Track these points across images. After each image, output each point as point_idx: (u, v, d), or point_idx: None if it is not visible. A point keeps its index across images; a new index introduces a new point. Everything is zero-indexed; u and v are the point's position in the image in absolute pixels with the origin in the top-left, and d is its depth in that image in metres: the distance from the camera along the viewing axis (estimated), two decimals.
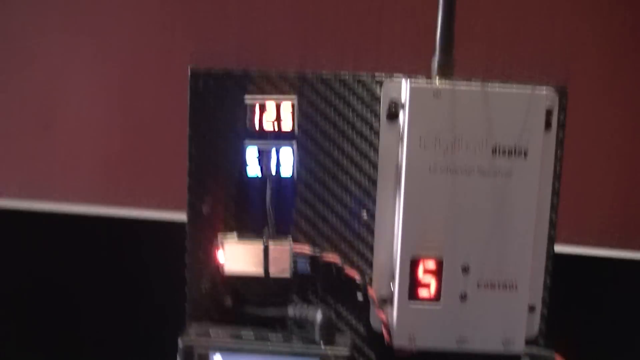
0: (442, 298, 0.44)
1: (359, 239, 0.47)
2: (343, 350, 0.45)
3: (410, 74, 0.46)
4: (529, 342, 0.47)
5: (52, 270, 0.71)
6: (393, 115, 0.46)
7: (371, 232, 0.47)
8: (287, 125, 0.45)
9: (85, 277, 0.70)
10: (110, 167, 0.81)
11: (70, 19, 0.81)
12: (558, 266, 0.56)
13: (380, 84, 0.46)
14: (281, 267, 0.45)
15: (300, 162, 0.46)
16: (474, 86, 0.44)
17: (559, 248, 0.65)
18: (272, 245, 0.45)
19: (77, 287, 0.70)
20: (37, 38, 0.81)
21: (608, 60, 0.75)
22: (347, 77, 0.46)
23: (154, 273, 0.67)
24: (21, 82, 0.82)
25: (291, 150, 0.45)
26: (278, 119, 0.45)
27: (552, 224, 0.47)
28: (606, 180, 0.76)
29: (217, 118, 0.46)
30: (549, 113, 0.46)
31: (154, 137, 0.79)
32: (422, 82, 0.44)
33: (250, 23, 0.76)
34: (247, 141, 0.45)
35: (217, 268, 0.46)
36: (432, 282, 0.44)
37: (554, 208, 0.47)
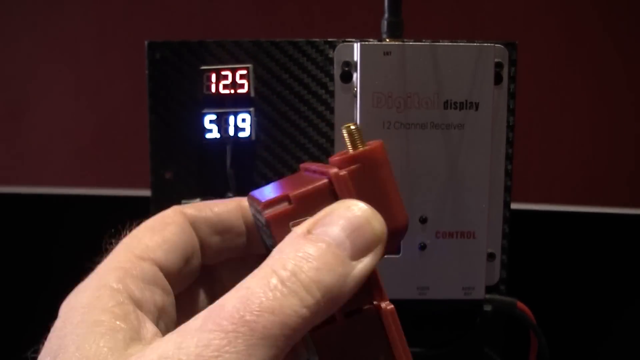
0: (401, 249, 0.46)
1: None
2: None
3: (361, 38, 0.47)
4: (490, 289, 0.49)
5: (28, 249, 0.73)
6: (347, 77, 0.47)
7: None
8: (243, 91, 0.47)
9: (60, 253, 0.71)
10: (83, 151, 0.82)
11: (38, 13, 0.82)
12: (524, 221, 0.58)
13: (333, 47, 0.47)
14: None
15: (259, 126, 0.48)
16: (424, 43, 0.45)
17: (527, 205, 0.67)
18: None
19: (54, 263, 0.71)
20: (5, 30, 0.83)
21: (563, 16, 0.76)
22: (300, 42, 0.48)
23: None
24: None
25: (249, 115, 0.47)
26: (234, 85, 0.47)
27: (508, 174, 0.49)
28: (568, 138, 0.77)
29: (175, 87, 0.48)
30: (499, 67, 0.47)
31: (125, 120, 0.81)
32: (373, 42, 0.46)
33: None
34: (205, 108, 0.47)
35: None
36: None
37: (509, 158, 0.49)
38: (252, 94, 0.47)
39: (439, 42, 0.45)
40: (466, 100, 0.46)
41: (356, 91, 0.46)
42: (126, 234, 0.25)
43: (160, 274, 0.23)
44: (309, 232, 0.21)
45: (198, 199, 0.47)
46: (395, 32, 0.46)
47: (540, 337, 0.49)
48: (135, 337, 0.20)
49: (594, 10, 0.76)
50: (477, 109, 0.46)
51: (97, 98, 0.82)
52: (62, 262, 0.71)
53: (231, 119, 0.47)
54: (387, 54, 0.45)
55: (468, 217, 0.46)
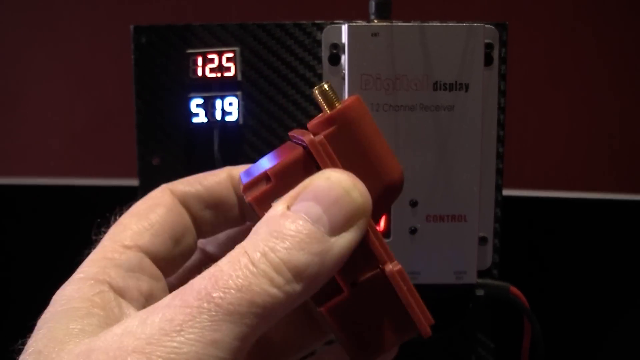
0: (391, 233, 0.45)
1: None
2: None
3: (349, 19, 0.46)
4: (483, 274, 0.48)
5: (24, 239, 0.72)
6: (335, 59, 0.46)
7: None
8: (230, 75, 0.46)
9: (55, 243, 0.71)
10: (76, 141, 0.82)
11: (28, 3, 0.82)
12: (517, 207, 0.57)
13: (321, 29, 0.47)
14: None
15: (246, 110, 0.47)
16: (412, 24, 0.44)
17: (520, 192, 0.66)
18: None
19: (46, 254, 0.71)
20: None
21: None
22: (287, 24, 0.47)
23: None
24: None
25: (236, 98, 0.46)
26: (221, 68, 0.46)
27: (500, 156, 0.48)
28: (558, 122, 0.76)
29: (161, 71, 0.47)
30: (489, 48, 0.47)
31: (120, 108, 0.80)
32: (360, 23, 0.45)
33: None
34: (192, 92, 0.46)
35: None
36: (382, 218, 0.45)
37: (500, 140, 0.48)
38: (239, 78, 0.47)
39: (427, 22, 0.45)
40: (456, 82, 0.45)
41: (344, 73, 0.45)
42: (114, 222, 0.24)
43: (147, 260, 0.23)
44: (287, 208, 0.20)
45: None
46: (383, 12, 0.46)
47: (534, 321, 0.48)
48: (112, 323, 0.20)
49: None
50: (467, 90, 0.45)
51: (90, 87, 0.82)
52: (57, 253, 0.71)
53: (218, 103, 0.46)
54: (375, 35, 0.44)
55: (459, 201, 0.46)
